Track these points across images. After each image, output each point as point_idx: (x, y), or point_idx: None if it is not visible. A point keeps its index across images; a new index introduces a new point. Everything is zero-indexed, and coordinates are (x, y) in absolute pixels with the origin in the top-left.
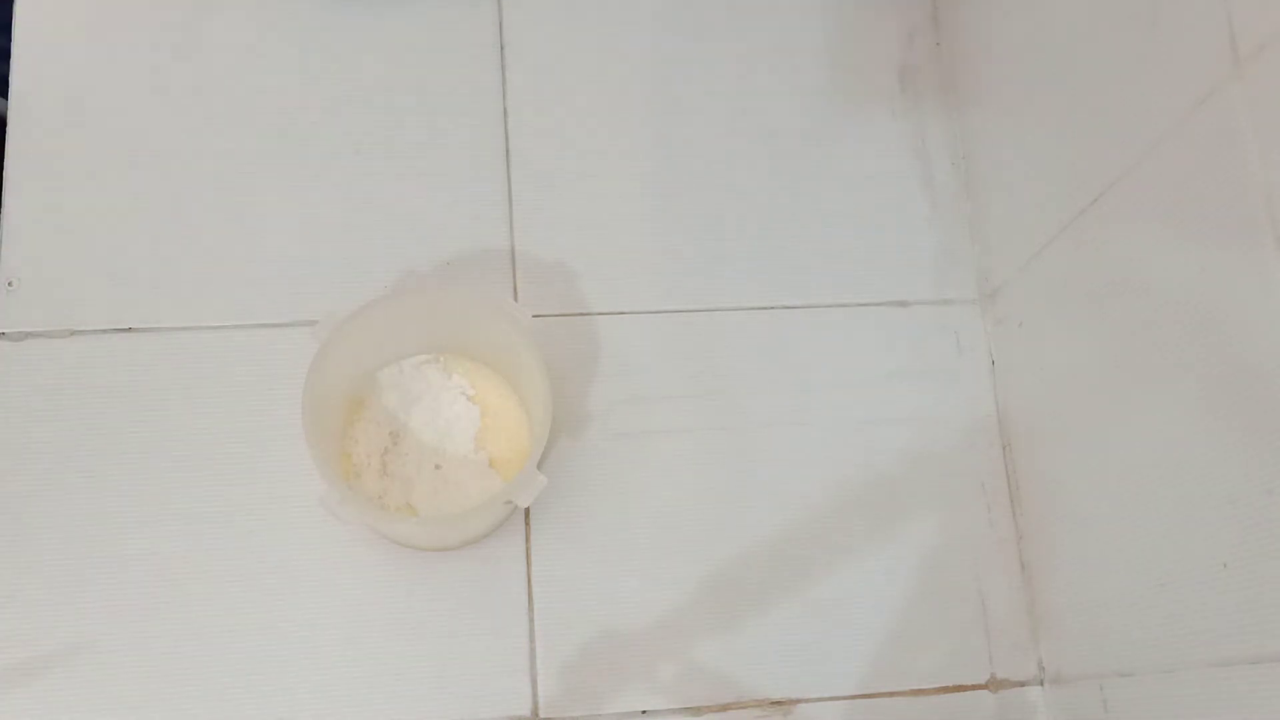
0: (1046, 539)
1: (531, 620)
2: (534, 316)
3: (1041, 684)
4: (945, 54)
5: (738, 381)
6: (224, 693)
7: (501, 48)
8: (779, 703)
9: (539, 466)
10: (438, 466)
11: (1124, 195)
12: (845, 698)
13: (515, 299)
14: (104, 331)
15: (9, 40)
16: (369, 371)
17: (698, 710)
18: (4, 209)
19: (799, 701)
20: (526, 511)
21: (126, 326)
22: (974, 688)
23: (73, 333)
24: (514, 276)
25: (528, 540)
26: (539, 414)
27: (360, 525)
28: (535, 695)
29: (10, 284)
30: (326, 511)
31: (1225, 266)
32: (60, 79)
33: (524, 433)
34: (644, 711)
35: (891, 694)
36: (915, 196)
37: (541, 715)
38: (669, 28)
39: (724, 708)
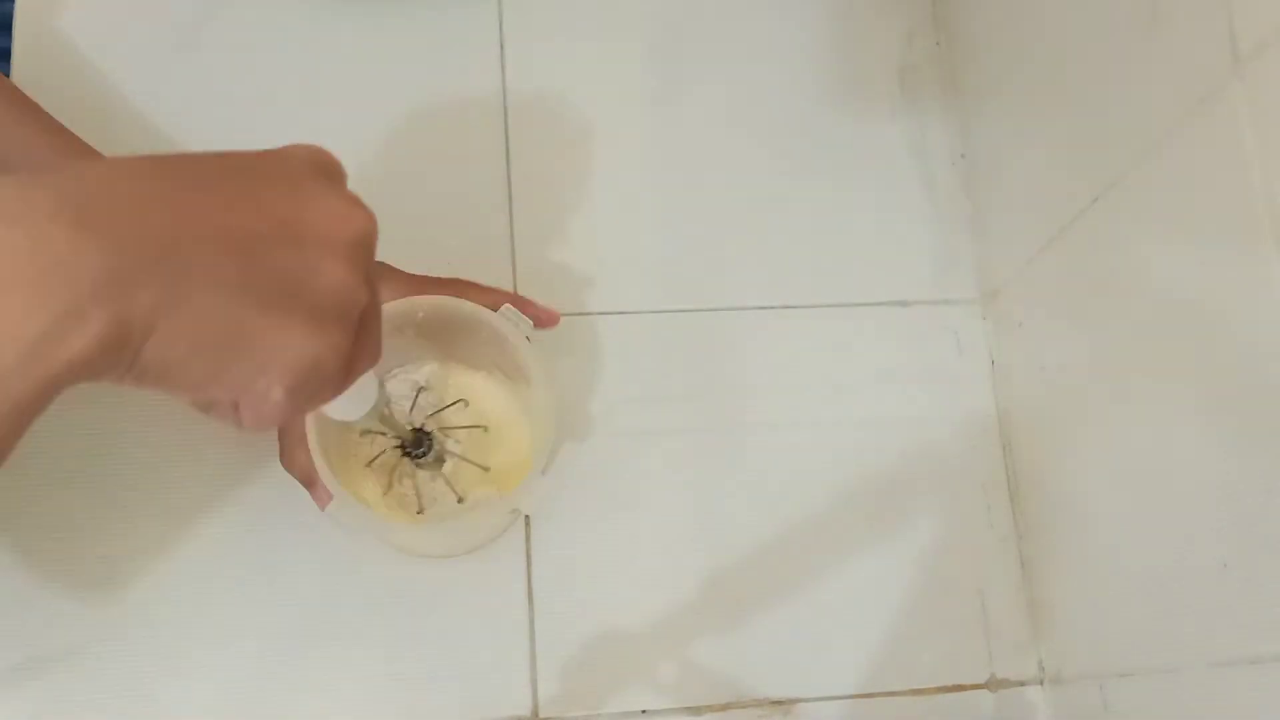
0: (1046, 539)
1: (531, 620)
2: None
3: (1041, 684)
4: (945, 54)
5: (738, 381)
6: (224, 694)
7: (501, 47)
8: (779, 703)
9: (541, 470)
10: (440, 473)
11: (1124, 195)
12: (845, 697)
13: None
14: None
15: (9, 40)
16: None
17: (698, 710)
18: None
19: (799, 701)
20: None
21: None
22: (974, 687)
23: None
24: (514, 276)
25: (528, 540)
26: (542, 420)
27: (363, 531)
28: (535, 695)
29: None
30: (330, 519)
31: (1225, 266)
32: (60, 78)
33: (526, 439)
34: (644, 711)
35: (891, 694)
36: (915, 196)
37: (541, 715)
38: (668, 28)
39: (724, 708)
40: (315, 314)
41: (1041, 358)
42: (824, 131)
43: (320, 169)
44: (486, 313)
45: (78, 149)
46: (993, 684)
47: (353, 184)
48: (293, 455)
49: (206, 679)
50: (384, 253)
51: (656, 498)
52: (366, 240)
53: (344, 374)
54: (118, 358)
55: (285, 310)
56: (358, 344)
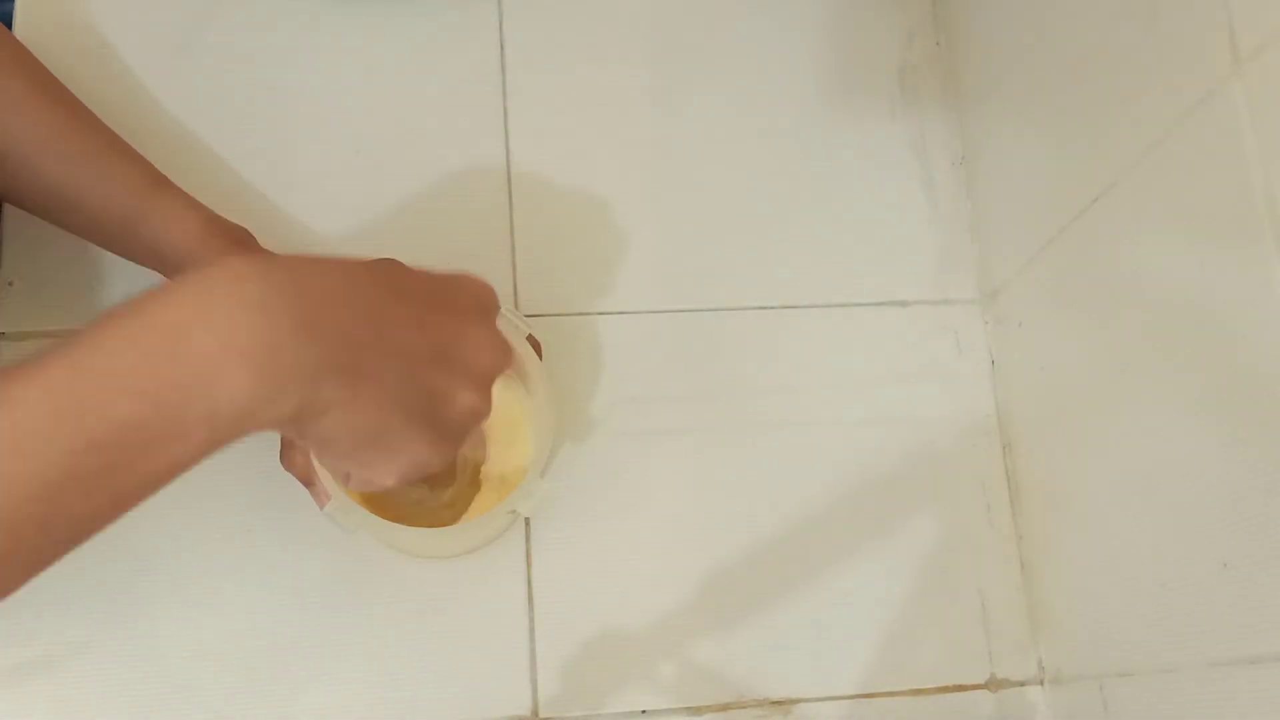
0: (1046, 539)
1: (531, 620)
2: (534, 316)
3: (1041, 684)
4: (945, 54)
5: (738, 381)
6: (224, 694)
7: (501, 48)
8: (779, 703)
9: (540, 472)
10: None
11: (1124, 195)
12: (845, 697)
13: (515, 299)
14: None
15: None
16: None
17: (698, 710)
18: (4, 209)
19: (799, 701)
20: None
21: None
22: (974, 687)
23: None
24: (514, 276)
25: (528, 540)
26: (543, 423)
27: (361, 531)
28: (535, 695)
29: (10, 284)
30: (330, 521)
31: (1225, 266)
32: (60, 78)
33: (526, 441)
34: (644, 711)
35: (891, 694)
36: (915, 196)
37: (541, 715)
38: (669, 27)
39: (724, 708)
40: (442, 432)
41: (1041, 358)
42: (824, 131)
43: (481, 304)
44: None
45: (161, 184)
46: (993, 684)
47: (352, 182)
48: (292, 455)
49: (205, 678)
50: (384, 253)
51: (656, 498)
52: (498, 372)
53: (441, 467)
54: (292, 428)
55: (422, 424)
56: (460, 445)
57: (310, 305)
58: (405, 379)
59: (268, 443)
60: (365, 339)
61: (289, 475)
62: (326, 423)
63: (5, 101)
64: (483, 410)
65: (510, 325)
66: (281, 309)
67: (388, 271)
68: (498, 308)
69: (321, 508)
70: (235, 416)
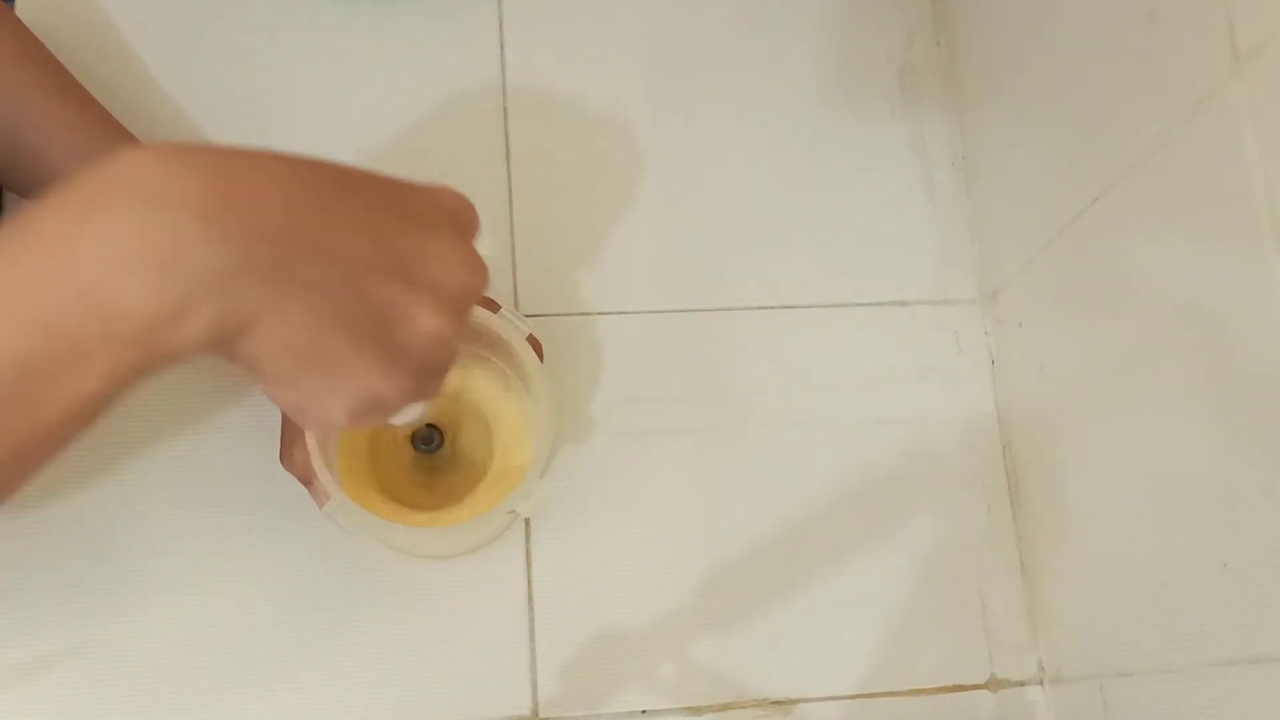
0: (1046, 539)
1: (531, 620)
2: (534, 316)
3: (1041, 684)
4: (945, 54)
5: (738, 381)
6: (224, 694)
7: (501, 48)
8: (779, 703)
9: (541, 472)
10: (440, 476)
11: (1124, 195)
12: (845, 697)
13: (515, 299)
14: None
15: None
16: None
17: (698, 710)
18: (4, 209)
19: (799, 701)
20: None
21: None
22: (974, 688)
23: None
24: (514, 277)
25: (528, 540)
26: (543, 423)
27: (361, 531)
28: (535, 695)
29: None
30: (330, 521)
31: (1225, 266)
32: None
33: (526, 441)
34: (644, 711)
35: (891, 694)
36: (915, 196)
37: (541, 715)
38: (669, 27)
39: (724, 708)
40: (395, 355)
41: (1041, 358)
42: (824, 131)
43: (455, 217)
44: (485, 314)
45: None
46: (993, 684)
47: None
48: (291, 454)
49: (205, 678)
50: None
51: (656, 498)
52: (471, 295)
53: (404, 406)
54: (214, 349)
55: (370, 344)
56: (428, 383)
57: (222, 196)
58: (347, 288)
59: (267, 443)
60: (296, 237)
61: (289, 475)
62: (254, 340)
63: (14, 91)
64: (450, 336)
65: (510, 325)
66: (183, 202)
67: (334, 166)
68: (476, 226)
69: (321, 508)
70: (137, 336)
